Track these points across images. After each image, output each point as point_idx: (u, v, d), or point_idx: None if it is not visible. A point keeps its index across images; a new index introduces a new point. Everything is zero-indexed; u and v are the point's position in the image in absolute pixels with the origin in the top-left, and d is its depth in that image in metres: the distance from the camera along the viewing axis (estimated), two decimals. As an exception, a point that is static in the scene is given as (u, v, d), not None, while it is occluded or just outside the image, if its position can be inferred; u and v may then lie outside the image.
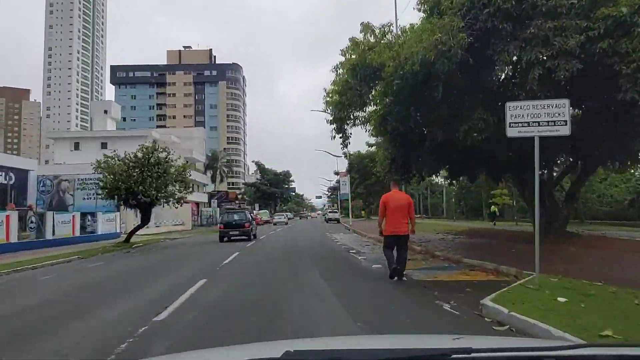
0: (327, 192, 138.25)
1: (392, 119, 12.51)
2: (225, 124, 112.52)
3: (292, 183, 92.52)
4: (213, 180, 71.93)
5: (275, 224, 53.29)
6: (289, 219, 59.75)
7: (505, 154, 12.52)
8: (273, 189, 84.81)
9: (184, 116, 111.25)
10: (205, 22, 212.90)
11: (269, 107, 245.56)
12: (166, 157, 21.01)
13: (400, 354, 1.40)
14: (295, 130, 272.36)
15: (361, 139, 78.53)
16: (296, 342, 2.42)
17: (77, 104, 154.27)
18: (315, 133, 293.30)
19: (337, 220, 59.15)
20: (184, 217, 46.51)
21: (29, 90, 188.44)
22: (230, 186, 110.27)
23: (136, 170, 19.89)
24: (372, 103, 14.05)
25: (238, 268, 11.80)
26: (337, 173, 69.48)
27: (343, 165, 68.06)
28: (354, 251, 15.79)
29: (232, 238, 21.90)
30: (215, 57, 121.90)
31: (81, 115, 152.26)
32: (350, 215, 50.84)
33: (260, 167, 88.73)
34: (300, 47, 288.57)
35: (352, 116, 14.34)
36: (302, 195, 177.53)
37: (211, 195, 59.52)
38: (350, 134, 14.65)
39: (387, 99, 12.98)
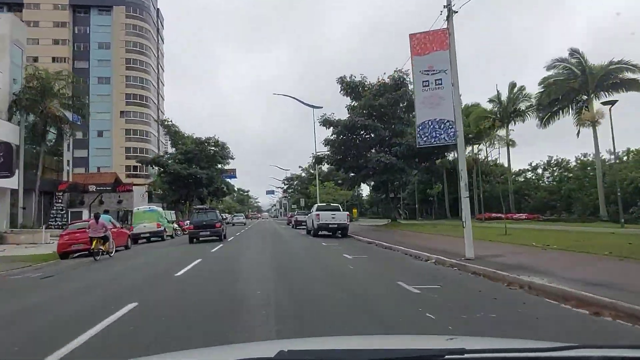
0: (282, 186, 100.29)
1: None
2: (124, 74, 70.86)
3: (230, 161, 53.36)
4: (31, 138, 31.51)
5: (234, 225, 48.34)
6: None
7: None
8: (194, 170, 45.28)
9: (54, 59, 68.14)
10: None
11: (203, 89, 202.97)
12: None
13: (394, 354, 1.40)
14: (236, 121, 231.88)
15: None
16: (290, 342, 2.30)
17: None
18: (260, 125, 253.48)
19: (344, 231, 21.34)
20: None
21: None
22: (133, 172, 69.19)
23: None
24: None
25: None
26: (329, 122, 31.75)
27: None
28: None
29: (201, 239, 21.38)
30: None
31: None
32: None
33: (169, 130, 48.68)
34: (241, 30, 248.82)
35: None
36: (248, 191, 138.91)
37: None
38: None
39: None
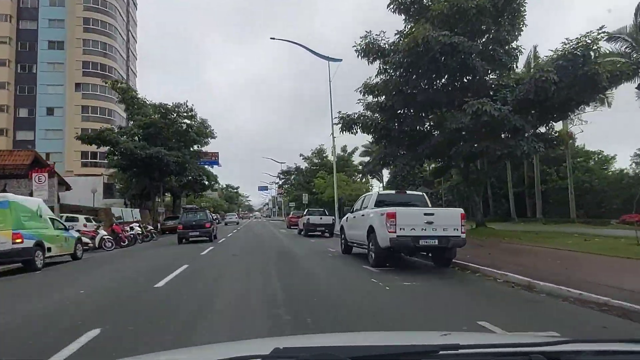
0: (277, 181, 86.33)
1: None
2: (81, 37, 56.54)
3: (212, 142, 39.50)
4: None
5: (226, 224, 48.48)
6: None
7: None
8: (156, 150, 31.35)
9: (-8, 17, 53.81)
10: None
11: (186, 80, 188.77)
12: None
13: (389, 350, 1.40)
14: (223, 115, 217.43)
15: None
16: (285, 339, 2.50)
17: None
18: (250, 120, 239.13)
19: (451, 253, 6.77)
20: None
21: None
22: (92, 160, 55.25)
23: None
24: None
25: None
26: (376, 49, 17.77)
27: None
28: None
29: (190, 239, 20.55)
30: None
31: None
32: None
33: (124, 96, 34.44)
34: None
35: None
36: (238, 188, 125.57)
37: None
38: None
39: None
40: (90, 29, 56.83)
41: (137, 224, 23.91)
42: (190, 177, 43.13)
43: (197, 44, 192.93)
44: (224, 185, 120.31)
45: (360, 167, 60.75)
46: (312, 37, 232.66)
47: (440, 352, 1.27)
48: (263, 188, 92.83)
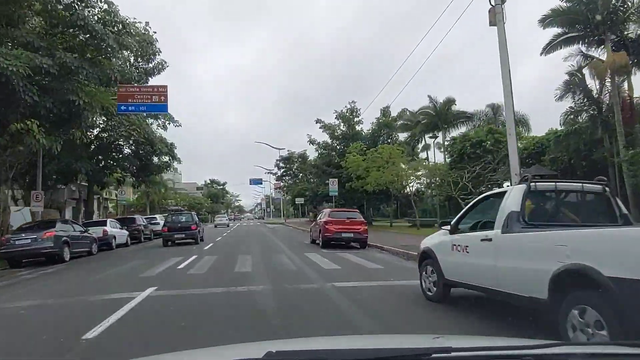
0: (275, 170, 65.20)
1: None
2: None
3: (149, 71, 18.46)
4: None
5: (216, 227, 44.35)
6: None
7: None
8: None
9: None
10: None
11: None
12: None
13: (381, 353, 1.41)
14: (209, 112, 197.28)
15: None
16: (278, 342, 2.39)
17: None
18: (238, 117, 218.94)
19: None
20: None
21: None
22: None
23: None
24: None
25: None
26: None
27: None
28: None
29: (176, 242, 20.54)
30: None
31: None
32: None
33: None
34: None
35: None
36: (224, 184, 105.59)
37: None
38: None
39: None
40: None
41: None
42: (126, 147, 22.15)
43: (181, 38, 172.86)
44: (208, 181, 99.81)
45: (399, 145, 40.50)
46: (308, 30, 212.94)
47: (433, 355, 1.26)
48: (256, 181, 71.86)
